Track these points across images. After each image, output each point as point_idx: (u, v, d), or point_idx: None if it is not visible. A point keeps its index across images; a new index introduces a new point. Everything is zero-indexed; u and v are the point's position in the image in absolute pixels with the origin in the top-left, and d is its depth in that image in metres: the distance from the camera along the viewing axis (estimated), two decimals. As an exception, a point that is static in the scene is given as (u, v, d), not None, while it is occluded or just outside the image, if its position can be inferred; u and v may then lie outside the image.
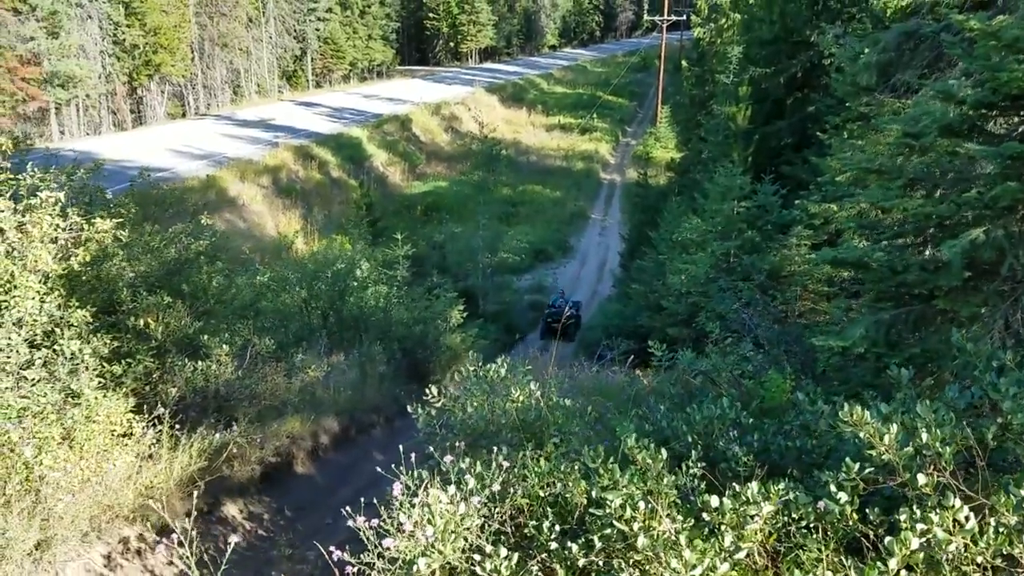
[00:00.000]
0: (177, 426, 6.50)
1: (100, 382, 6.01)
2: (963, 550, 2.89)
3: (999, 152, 5.72)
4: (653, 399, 6.31)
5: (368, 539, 3.26)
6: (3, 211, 5.55)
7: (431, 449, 4.19)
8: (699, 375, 6.56)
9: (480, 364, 5.21)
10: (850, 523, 3.19)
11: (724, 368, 6.60)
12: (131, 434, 5.92)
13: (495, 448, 3.98)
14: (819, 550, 3.20)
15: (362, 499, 3.57)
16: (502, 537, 3.63)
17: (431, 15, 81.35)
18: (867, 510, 3.21)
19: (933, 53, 9.68)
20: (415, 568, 3.14)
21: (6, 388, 5.08)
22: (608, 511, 3.29)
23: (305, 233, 32.71)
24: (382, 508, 3.36)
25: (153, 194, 10.26)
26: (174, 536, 3.70)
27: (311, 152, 40.09)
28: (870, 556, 3.11)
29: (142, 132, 42.71)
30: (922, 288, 6.29)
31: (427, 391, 4.74)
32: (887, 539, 2.90)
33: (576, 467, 3.80)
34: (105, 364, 6.31)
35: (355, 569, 3.25)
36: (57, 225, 5.85)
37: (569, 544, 3.38)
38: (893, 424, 3.29)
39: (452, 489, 3.43)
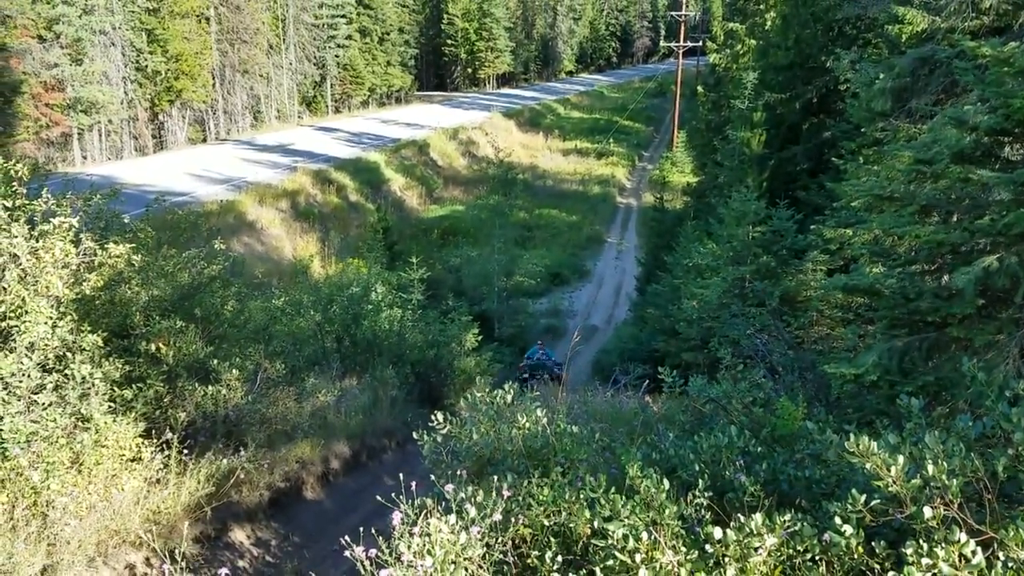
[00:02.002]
0: (186, 451, 6.51)
1: (110, 406, 6.03)
2: (970, 586, 2.83)
3: (1013, 179, 5.68)
4: (663, 426, 6.25)
5: (366, 570, 3.23)
6: (16, 237, 5.61)
7: (432, 478, 4.17)
8: (709, 402, 6.50)
9: (489, 390, 5.19)
10: (856, 556, 3.13)
11: (735, 395, 6.53)
12: (140, 459, 5.94)
13: (500, 476, 3.95)
14: (824, 583, 3.15)
15: (369, 526, 3.55)
16: (504, 568, 3.60)
17: (449, 41, 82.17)
18: (873, 543, 3.15)
19: (948, 79, 9.66)
20: (413, 599, 3.11)
21: (17, 412, 5.10)
22: (610, 542, 3.25)
23: (322, 256, 32.89)
24: (380, 539, 3.33)
25: (168, 219, 10.34)
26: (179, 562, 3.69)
27: (329, 176, 40.41)
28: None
29: (163, 157, 43.24)
30: (935, 316, 6.23)
31: (433, 417, 4.73)
32: (891, 575, 2.84)
33: (580, 495, 3.76)
34: (116, 388, 6.34)
35: (354, 600, 3.22)
36: (69, 252, 5.90)
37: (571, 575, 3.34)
38: (900, 455, 3.24)
39: (453, 518, 3.41)
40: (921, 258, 6.86)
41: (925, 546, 2.90)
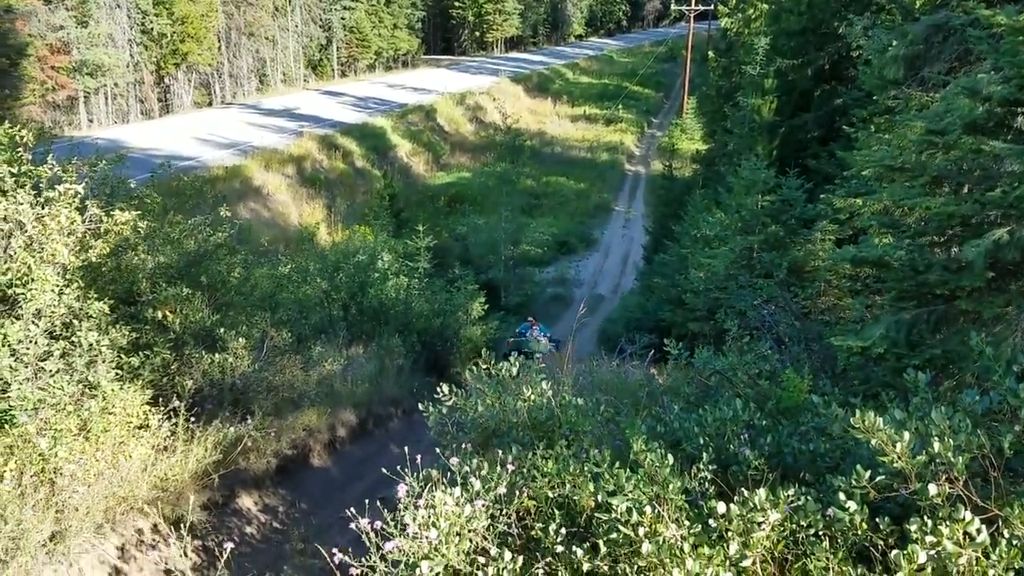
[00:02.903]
0: (193, 418, 6.55)
1: (117, 374, 6.06)
2: (974, 563, 2.83)
3: (1026, 150, 5.60)
4: (668, 398, 6.25)
5: (371, 541, 3.25)
6: (22, 204, 5.59)
7: (438, 450, 4.18)
8: (715, 374, 6.48)
9: (494, 361, 5.18)
10: (859, 532, 3.13)
11: (741, 367, 6.52)
12: (147, 426, 5.98)
13: (505, 448, 3.96)
14: (827, 559, 3.15)
15: (375, 494, 3.57)
16: (508, 539, 3.62)
17: (457, 4, 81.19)
18: (878, 518, 3.15)
19: (962, 47, 9.49)
20: (418, 571, 3.13)
21: (24, 379, 5.13)
22: (614, 515, 3.26)
23: (328, 223, 32.85)
24: (385, 511, 3.34)
25: (174, 185, 10.31)
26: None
27: (335, 142, 40.22)
28: (879, 566, 3.06)
29: (169, 120, 43.08)
30: (944, 288, 6.19)
31: (438, 389, 4.73)
32: (894, 552, 2.84)
33: (585, 468, 3.76)
34: (123, 356, 6.36)
35: (359, 571, 3.24)
36: (75, 219, 5.88)
37: (575, 548, 3.36)
38: (906, 431, 3.22)
39: (458, 491, 3.42)
40: (931, 230, 6.79)
41: (929, 523, 2.90)
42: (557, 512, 3.72)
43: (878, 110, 13.14)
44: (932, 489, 3.02)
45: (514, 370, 4.92)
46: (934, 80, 10.07)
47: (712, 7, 59.68)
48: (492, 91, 60.22)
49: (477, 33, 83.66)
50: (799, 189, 14.92)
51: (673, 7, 79.44)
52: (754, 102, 22.23)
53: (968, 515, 2.85)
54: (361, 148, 41.30)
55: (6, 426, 5.01)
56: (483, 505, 3.43)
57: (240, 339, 7.72)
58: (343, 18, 61.78)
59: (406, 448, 3.86)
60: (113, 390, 5.75)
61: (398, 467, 3.73)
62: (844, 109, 17.27)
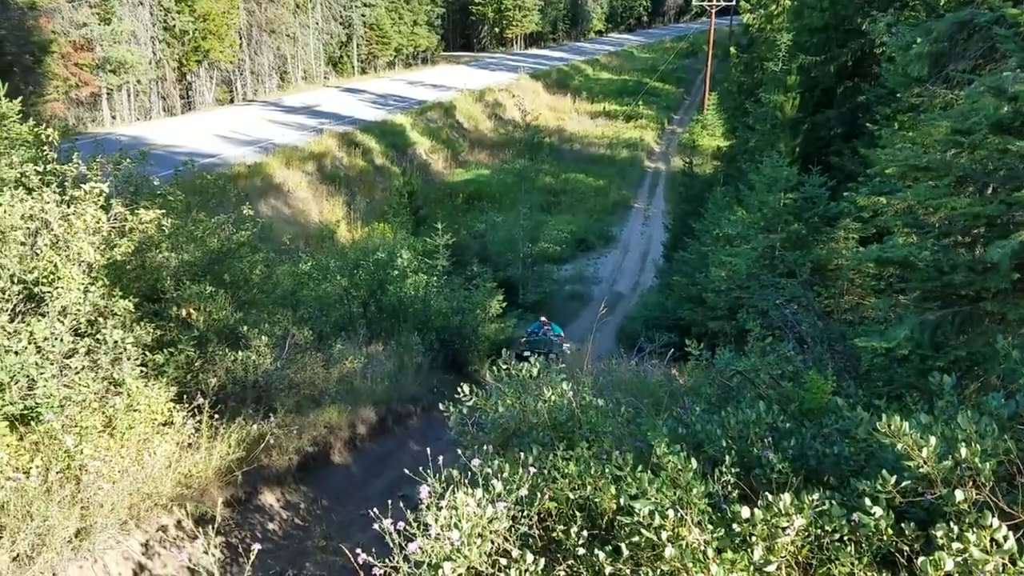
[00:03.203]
0: (216, 415, 6.60)
1: (142, 371, 6.12)
2: (1000, 570, 2.80)
3: (1054, 150, 5.52)
4: (689, 399, 6.23)
5: (394, 542, 3.26)
6: (48, 203, 5.66)
7: (459, 451, 4.19)
8: (736, 375, 6.45)
9: (513, 360, 5.19)
10: (885, 537, 3.11)
11: (763, 368, 6.48)
12: (171, 423, 6.03)
13: (526, 449, 3.96)
14: (852, 564, 3.13)
15: (395, 491, 3.58)
16: (529, 541, 3.62)
17: (477, 1, 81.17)
18: (903, 524, 3.12)
19: (987, 44, 9.37)
20: (440, 572, 3.14)
21: (50, 377, 5.18)
22: (636, 519, 3.25)
23: (348, 220, 32.97)
24: (408, 512, 3.36)
25: (197, 183, 10.38)
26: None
27: (355, 139, 40.36)
28: (904, 572, 3.03)
29: (191, 117, 43.39)
30: (969, 289, 6.12)
31: (459, 389, 4.74)
32: (920, 558, 2.82)
33: (606, 470, 3.75)
34: (147, 353, 6.42)
35: (381, 571, 3.26)
36: (100, 218, 5.94)
37: (597, 551, 3.35)
38: (932, 436, 3.19)
39: (480, 492, 3.42)
40: (956, 230, 6.72)
41: (956, 529, 2.87)
42: (578, 514, 3.71)
43: (902, 107, 13.00)
44: (958, 494, 2.99)
45: (534, 371, 4.92)
46: (959, 78, 9.94)
47: (734, 2, 59.32)
48: (511, 88, 60.18)
49: (497, 29, 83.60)
50: (822, 187, 14.80)
51: (694, 2, 79.00)
52: (776, 99, 22.09)
53: (995, 521, 2.82)
54: (380, 145, 41.42)
55: (32, 423, 5.07)
56: (505, 507, 3.44)
57: (263, 337, 7.77)
58: (363, 15, 61.93)
59: (428, 449, 3.87)
60: (138, 387, 5.80)
61: (419, 467, 3.74)
62: (867, 106, 17.11)
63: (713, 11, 59.46)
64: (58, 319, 5.45)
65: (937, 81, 10.71)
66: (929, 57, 10.46)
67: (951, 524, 2.90)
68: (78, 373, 5.40)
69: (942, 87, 10.53)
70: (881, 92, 15.65)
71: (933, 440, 3.16)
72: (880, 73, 14.82)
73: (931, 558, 2.79)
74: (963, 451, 3.07)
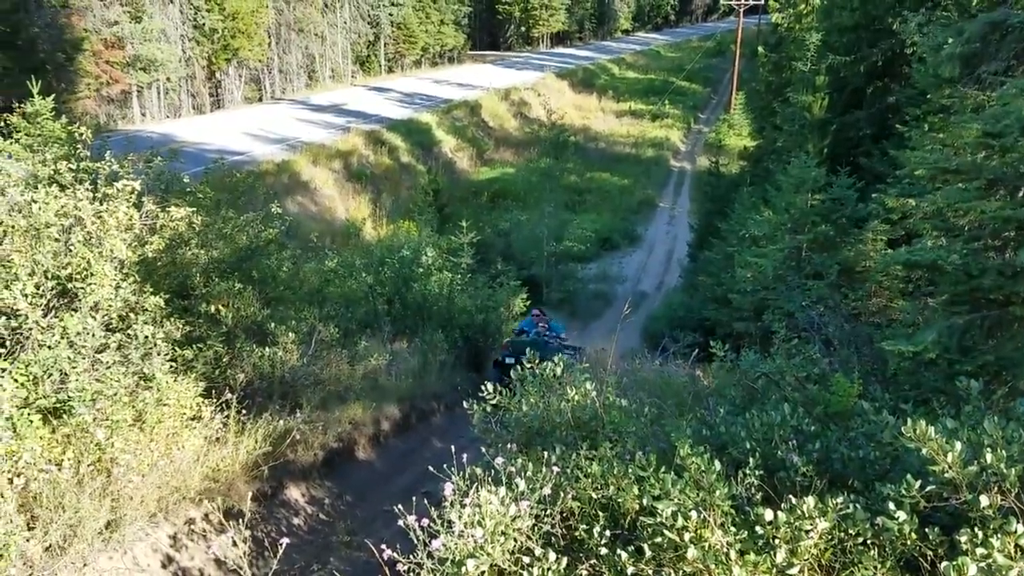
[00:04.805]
0: (244, 411, 6.68)
1: (172, 366, 6.20)
2: (1026, 577, 2.78)
3: (1087, 154, 5.45)
4: (714, 400, 6.21)
5: (418, 538, 3.30)
6: (81, 200, 5.76)
7: (483, 449, 4.22)
8: (761, 377, 6.42)
9: (537, 360, 5.20)
10: (908, 542, 3.10)
11: (789, 370, 6.45)
12: (200, 418, 6.11)
13: (549, 448, 3.98)
14: (875, 568, 3.12)
15: (419, 488, 3.61)
16: (552, 539, 3.64)
17: (503, 0, 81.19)
18: (927, 528, 3.11)
19: (1020, 45, 9.25)
20: (464, 569, 3.17)
21: (82, 371, 5.27)
22: (659, 519, 3.26)
23: (373, 218, 33.14)
24: (432, 509, 3.39)
25: (227, 180, 10.52)
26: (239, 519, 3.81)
27: (381, 137, 40.54)
28: (928, 577, 3.02)
29: (220, 115, 43.80)
30: (998, 293, 6.06)
31: (483, 387, 4.77)
32: (944, 564, 2.81)
33: (629, 470, 3.77)
34: (177, 348, 6.51)
35: (405, 567, 3.30)
36: (132, 215, 6.03)
37: (619, 551, 3.36)
38: (958, 441, 3.18)
39: (503, 491, 3.45)
40: (986, 234, 6.65)
41: (980, 535, 2.86)
42: (601, 514, 3.73)
43: (932, 108, 12.87)
44: (983, 500, 2.97)
45: (558, 370, 4.92)
46: (990, 79, 9.82)
47: (762, 2, 58.89)
48: (537, 87, 60.12)
49: (523, 28, 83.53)
50: (850, 188, 14.66)
51: (722, 1, 78.53)
52: (805, 99, 21.90)
53: (1019, 527, 2.81)
54: (406, 144, 41.58)
55: (65, 416, 5.17)
56: (528, 505, 3.46)
57: (289, 333, 7.86)
58: (391, 14, 62.17)
59: (452, 447, 3.90)
60: (167, 382, 5.88)
61: (442, 464, 3.77)
62: (897, 107, 16.94)
63: (741, 10, 59.08)
64: (90, 314, 5.54)
65: (968, 82, 10.59)
66: (961, 58, 10.34)
67: (975, 529, 2.89)
68: (109, 367, 5.48)
69: (973, 88, 10.40)
70: (911, 93, 15.48)
71: (959, 445, 3.15)
72: (911, 74, 14.66)
73: (955, 563, 2.78)
74: (989, 456, 3.06)
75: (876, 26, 19.76)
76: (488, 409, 4.76)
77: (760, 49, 51.80)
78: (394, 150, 40.38)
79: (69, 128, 9.94)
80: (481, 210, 36.22)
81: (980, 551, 2.79)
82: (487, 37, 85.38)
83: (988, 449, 3.09)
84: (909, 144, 12.59)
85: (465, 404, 4.84)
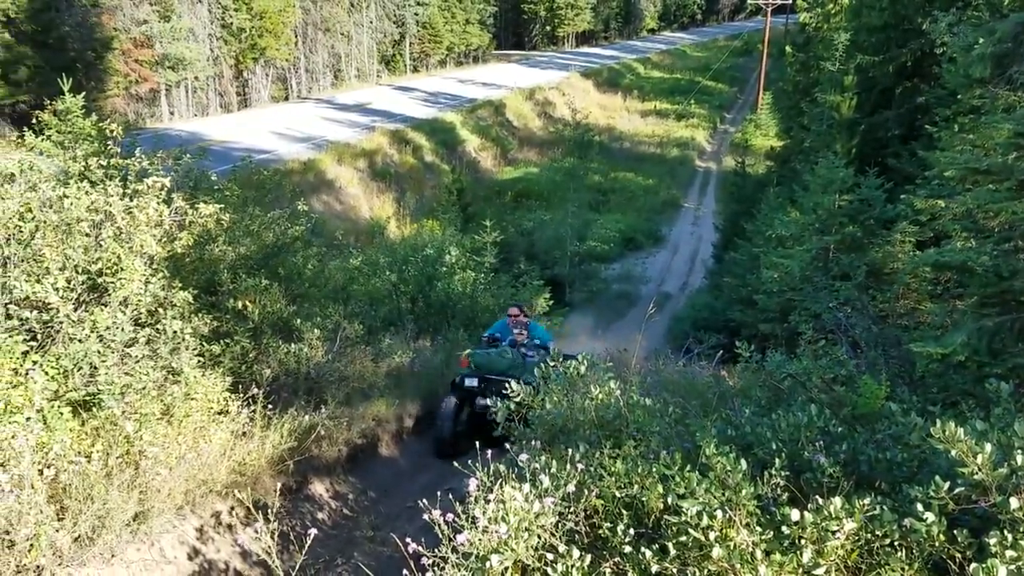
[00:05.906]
0: (270, 406, 6.74)
1: (199, 361, 6.27)
2: (1057, 581, 2.74)
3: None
4: (739, 401, 6.17)
5: (442, 533, 3.32)
6: (112, 196, 5.83)
7: (506, 446, 4.23)
8: (787, 378, 6.38)
9: (560, 359, 5.20)
10: (936, 544, 3.07)
11: (816, 371, 6.40)
12: (227, 412, 6.17)
13: (572, 446, 3.98)
14: (902, 570, 3.10)
15: (441, 485, 3.62)
16: (575, 537, 3.64)
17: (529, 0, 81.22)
18: (955, 531, 3.08)
19: (1055, 44, 9.09)
20: (488, 564, 3.18)
21: (112, 365, 5.35)
22: (684, 519, 3.25)
23: (397, 217, 33.28)
24: (456, 504, 3.41)
25: (254, 178, 10.62)
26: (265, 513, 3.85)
27: (406, 136, 40.71)
28: (957, 580, 2.99)
29: (247, 114, 44.21)
30: (1031, 296, 5.97)
31: (506, 384, 4.78)
32: (972, 566, 2.78)
33: (653, 469, 3.76)
34: (204, 343, 6.59)
35: (430, 560, 3.32)
36: (162, 211, 6.11)
37: (643, 549, 3.36)
38: (988, 443, 3.14)
39: (527, 487, 3.46)
40: (1016, 235, 6.55)
41: (1010, 537, 2.83)
42: (625, 512, 3.72)
43: (962, 109, 12.71)
44: (1013, 503, 2.94)
45: (582, 368, 4.92)
46: (1022, 80, 9.67)
47: (790, 1, 58.41)
48: (562, 86, 60.04)
49: (548, 28, 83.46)
50: (879, 189, 14.50)
51: (749, 0, 78.01)
52: (833, 99, 21.71)
53: (1051, 531, 2.77)
54: (430, 143, 41.71)
55: (94, 409, 5.24)
56: (552, 502, 3.46)
57: (315, 330, 7.92)
58: (416, 13, 62.41)
59: (476, 443, 3.92)
60: (195, 377, 5.95)
61: (466, 461, 3.79)
62: (927, 107, 16.74)
63: (769, 9, 58.63)
64: (120, 309, 5.61)
65: (999, 83, 10.43)
66: (992, 58, 10.17)
67: (1005, 532, 2.86)
68: (138, 362, 5.56)
69: (1005, 89, 10.25)
70: (941, 93, 15.30)
71: (988, 447, 3.11)
72: (940, 74, 14.48)
73: (984, 566, 2.75)
74: (1019, 459, 3.02)
75: (905, 26, 19.55)
76: (512, 407, 4.77)
77: (788, 48, 51.41)
78: (418, 149, 40.53)
79: (100, 125, 10.09)
80: (505, 209, 36.23)
81: (1010, 554, 2.76)
82: (512, 37, 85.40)
83: (1019, 451, 3.05)
84: (938, 145, 12.45)
85: (488, 401, 4.85)
